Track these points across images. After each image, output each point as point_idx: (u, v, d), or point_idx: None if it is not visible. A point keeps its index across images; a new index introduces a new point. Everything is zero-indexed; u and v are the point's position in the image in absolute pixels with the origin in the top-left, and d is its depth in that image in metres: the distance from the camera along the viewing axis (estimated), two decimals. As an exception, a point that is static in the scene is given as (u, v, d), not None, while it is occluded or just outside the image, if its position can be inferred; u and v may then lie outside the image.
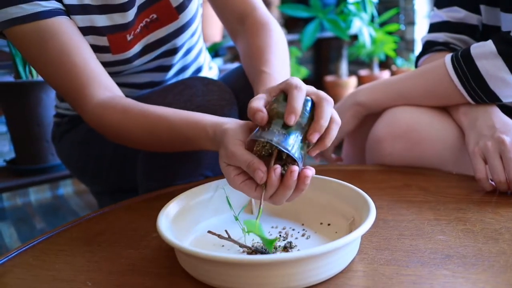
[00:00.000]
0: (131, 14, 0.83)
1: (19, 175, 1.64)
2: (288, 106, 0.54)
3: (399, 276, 0.49)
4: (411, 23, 2.80)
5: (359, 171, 0.87)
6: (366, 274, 0.50)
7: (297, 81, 0.56)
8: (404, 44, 2.87)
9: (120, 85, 0.84)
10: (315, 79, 3.22)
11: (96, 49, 0.82)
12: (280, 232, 0.62)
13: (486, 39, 0.79)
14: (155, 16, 0.87)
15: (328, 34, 2.78)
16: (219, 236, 0.56)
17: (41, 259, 0.60)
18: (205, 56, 1.10)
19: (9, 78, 1.64)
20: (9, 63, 1.62)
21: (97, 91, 0.74)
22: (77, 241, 0.65)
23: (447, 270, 0.49)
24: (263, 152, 0.56)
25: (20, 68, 1.59)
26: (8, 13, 0.72)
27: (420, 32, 2.78)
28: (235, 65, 2.28)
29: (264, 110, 0.55)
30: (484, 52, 0.77)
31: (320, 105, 0.55)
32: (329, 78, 2.78)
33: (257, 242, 0.58)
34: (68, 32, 0.75)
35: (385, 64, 2.89)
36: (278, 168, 0.53)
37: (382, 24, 2.73)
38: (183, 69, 1.01)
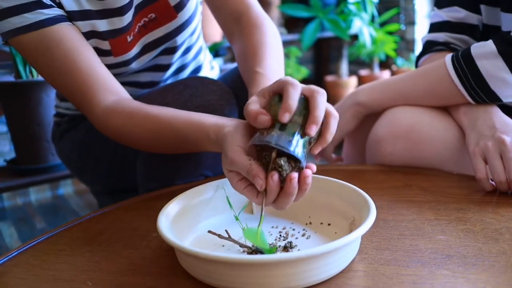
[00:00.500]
0: (128, 15, 0.83)
1: (19, 175, 1.64)
2: (282, 104, 0.54)
3: (399, 276, 0.49)
4: (411, 23, 2.80)
5: (360, 171, 0.87)
6: (366, 274, 0.50)
7: (292, 79, 0.55)
8: (405, 44, 2.87)
9: (121, 84, 0.84)
10: (315, 79, 3.21)
11: (99, 52, 0.82)
12: (280, 232, 0.62)
13: (486, 39, 0.79)
14: (153, 15, 0.87)
15: (329, 34, 2.78)
16: (219, 236, 0.56)
17: (42, 259, 0.60)
18: (206, 55, 1.10)
19: (9, 78, 1.64)
20: (9, 63, 1.62)
21: (103, 96, 0.75)
22: (78, 241, 0.65)
23: (448, 270, 0.49)
24: (265, 155, 0.55)
25: (20, 68, 1.59)
26: (11, 23, 0.72)
27: (421, 32, 2.79)
28: (235, 64, 2.28)
29: (266, 112, 0.55)
30: (484, 52, 0.77)
31: (312, 97, 0.54)
32: (330, 78, 2.78)
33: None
34: (72, 38, 0.75)
35: (385, 64, 2.89)
36: (275, 174, 0.52)
37: (382, 24, 2.73)
38: (182, 68, 1.01)
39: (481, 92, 0.79)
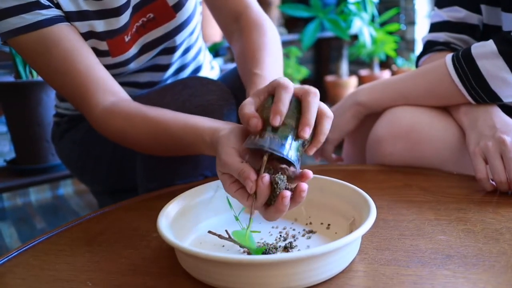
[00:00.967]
0: (125, 16, 0.83)
1: (19, 175, 1.64)
2: (273, 107, 0.53)
3: (399, 276, 0.49)
4: (411, 23, 2.80)
5: (360, 171, 0.87)
6: (366, 274, 0.50)
7: (284, 80, 0.55)
8: (405, 44, 2.87)
9: (120, 84, 0.84)
10: (316, 79, 3.21)
11: (97, 53, 0.82)
12: (280, 232, 0.62)
13: (486, 39, 0.79)
14: (151, 15, 0.87)
15: (329, 34, 2.78)
16: (219, 236, 0.56)
17: (42, 259, 0.60)
18: (205, 55, 1.10)
19: (9, 78, 1.64)
20: (9, 63, 1.62)
21: (101, 98, 0.75)
22: (78, 241, 0.65)
23: (448, 270, 0.49)
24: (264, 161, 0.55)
25: (20, 68, 1.58)
26: (9, 23, 0.72)
27: (421, 32, 2.78)
28: (235, 65, 2.27)
29: (257, 115, 0.54)
30: (485, 52, 0.77)
31: (304, 99, 0.54)
32: (330, 78, 2.78)
33: (257, 242, 0.58)
34: (70, 39, 0.75)
35: (385, 64, 2.89)
36: (266, 177, 0.52)
37: (382, 24, 2.73)
38: (181, 68, 1.01)
39: (481, 92, 0.78)
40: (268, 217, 0.55)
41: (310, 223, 0.64)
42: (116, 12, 0.81)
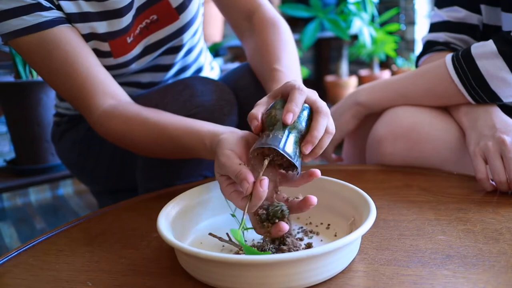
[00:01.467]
0: (128, 17, 0.83)
1: (19, 175, 1.64)
2: (287, 105, 0.54)
3: (399, 276, 0.49)
4: (411, 23, 2.80)
5: (360, 171, 0.87)
6: (366, 274, 0.50)
7: (299, 83, 0.56)
8: (405, 44, 2.87)
9: (121, 84, 0.84)
10: (316, 79, 3.21)
11: (98, 54, 0.82)
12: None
13: (486, 39, 0.79)
14: (155, 17, 0.86)
15: (329, 34, 2.77)
16: (220, 238, 0.56)
17: (41, 259, 0.60)
18: (206, 56, 1.10)
19: (9, 78, 1.64)
20: (9, 63, 1.62)
21: (101, 100, 0.75)
22: (77, 241, 0.65)
23: (448, 270, 0.49)
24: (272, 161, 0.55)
25: (20, 68, 1.58)
26: (10, 25, 0.72)
27: (421, 32, 2.78)
28: (235, 65, 2.28)
29: (259, 119, 0.55)
30: (484, 52, 0.77)
31: (315, 117, 0.55)
32: (330, 78, 2.78)
33: (258, 242, 0.58)
34: (71, 41, 0.75)
35: (385, 64, 2.89)
36: (265, 180, 0.52)
37: (382, 24, 2.73)
38: (183, 69, 1.01)
39: (481, 92, 0.78)
40: (259, 232, 0.56)
41: (310, 223, 0.64)
42: (119, 13, 0.81)
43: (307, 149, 0.54)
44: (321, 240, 0.59)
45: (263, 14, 0.85)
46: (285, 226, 0.52)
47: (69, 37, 0.75)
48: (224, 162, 0.55)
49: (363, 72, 2.77)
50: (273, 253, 0.54)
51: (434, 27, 0.95)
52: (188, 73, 1.03)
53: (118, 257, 0.59)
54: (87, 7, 0.78)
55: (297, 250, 0.54)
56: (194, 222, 0.63)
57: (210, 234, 0.57)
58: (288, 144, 0.53)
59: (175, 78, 1.01)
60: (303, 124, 0.55)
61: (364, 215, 0.54)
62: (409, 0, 2.78)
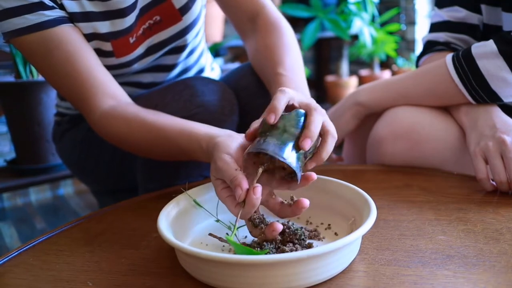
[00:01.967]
0: (131, 17, 0.83)
1: (19, 175, 1.64)
2: (306, 130, 0.54)
3: (400, 276, 0.49)
4: (412, 23, 2.80)
5: (360, 171, 0.87)
6: (367, 274, 0.50)
7: (317, 105, 0.57)
8: (405, 44, 2.87)
9: (122, 84, 0.84)
10: (316, 79, 3.21)
11: (100, 53, 0.82)
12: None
13: (487, 39, 0.79)
14: (158, 18, 0.86)
15: (329, 34, 2.77)
16: (219, 239, 0.56)
17: (42, 259, 0.60)
18: (207, 57, 1.10)
19: (9, 78, 1.64)
20: (9, 63, 1.62)
21: (101, 101, 0.75)
22: (78, 241, 0.65)
23: (448, 270, 0.49)
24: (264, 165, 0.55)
25: (20, 68, 1.58)
26: (12, 23, 0.72)
27: (421, 32, 2.78)
28: (236, 65, 2.28)
29: (255, 125, 0.56)
30: (485, 51, 0.77)
31: (310, 113, 0.56)
32: (330, 78, 2.78)
33: (258, 243, 0.58)
34: (72, 40, 0.75)
35: (385, 64, 2.89)
36: (258, 187, 0.52)
37: (383, 24, 2.73)
38: (185, 70, 1.01)
39: (481, 92, 0.78)
40: (254, 234, 0.56)
41: (310, 223, 0.64)
42: (122, 13, 0.81)
43: (306, 144, 0.53)
44: (322, 240, 0.59)
45: (267, 16, 0.85)
46: (278, 226, 0.52)
47: (71, 37, 0.75)
48: (220, 167, 0.55)
49: (364, 72, 2.77)
50: (273, 253, 0.54)
51: (435, 27, 0.95)
52: (190, 74, 1.03)
53: (118, 257, 0.59)
54: (90, 7, 0.78)
55: (302, 243, 0.55)
56: (194, 222, 0.63)
57: (210, 234, 0.57)
58: (286, 150, 0.52)
59: (178, 79, 1.01)
60: (298, 130, 0.55)
61: (365, 215, 0.54)
62: (409, 0, 2.78)
